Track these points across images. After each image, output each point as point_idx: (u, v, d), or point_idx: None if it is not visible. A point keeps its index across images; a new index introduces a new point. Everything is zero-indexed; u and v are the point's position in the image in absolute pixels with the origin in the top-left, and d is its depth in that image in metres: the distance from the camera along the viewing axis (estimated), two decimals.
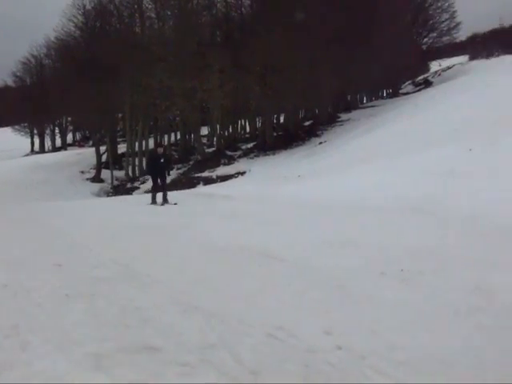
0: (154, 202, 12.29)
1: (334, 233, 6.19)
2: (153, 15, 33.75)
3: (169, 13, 32.83)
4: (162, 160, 12.44)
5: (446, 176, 9.50)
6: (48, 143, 58.94)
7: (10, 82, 59.90)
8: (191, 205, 11.82)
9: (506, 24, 61.83)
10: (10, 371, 2.58)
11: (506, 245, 5.18)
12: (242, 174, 23.74)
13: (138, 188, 28.03)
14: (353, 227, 6.63)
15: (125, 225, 8.10)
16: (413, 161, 11.45)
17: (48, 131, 58.91)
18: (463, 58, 57.80)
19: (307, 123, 37.00)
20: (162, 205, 11.92)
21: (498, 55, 47.72)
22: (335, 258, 4.88)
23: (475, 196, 7.85)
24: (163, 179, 12.44)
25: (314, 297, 3.76)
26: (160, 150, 12.98)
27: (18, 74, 55.80)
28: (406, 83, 53.19)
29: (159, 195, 12.34)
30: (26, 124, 58.97)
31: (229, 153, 29.98)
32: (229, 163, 27.34)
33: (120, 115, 35.94)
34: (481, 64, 43.14)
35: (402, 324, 3.22)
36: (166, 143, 35.29)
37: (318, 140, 28.86)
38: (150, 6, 33.60)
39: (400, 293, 3.83)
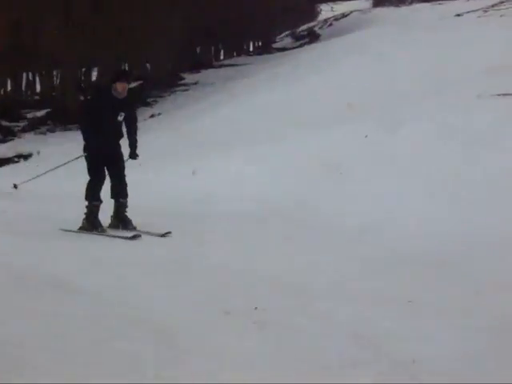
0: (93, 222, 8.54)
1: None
2: None
3: None
4: (120, 116, 8.82)
5: (329, 173, 10.07)
6: None
7: None
8: None
9: None
10: None
11: (395, 276, 5.70)
12: (26, 157, 22.80)
13: None
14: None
15: None
16: (284, 149, 11.94)
17: None
18: (365, 3, 61.76)
19: (133, 85, 36.66)
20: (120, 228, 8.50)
21: (410, 2, 51.91)
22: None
23: (368, 205, 8.45)
24: (119, 164, 8.94)
25: None
26: (121, 88, 8.66)
27: None
28: (283, 34, 55.27)
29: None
30: None
31: (5, 123, 28.53)
32: (4, 140, 26.07)
33: None
34: (388, 13, 46.88)
35: None
36: None
37: (148, 111, 28.82)
38: None
39: (251, 341, 3.98)
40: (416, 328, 4.49)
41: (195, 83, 34.78)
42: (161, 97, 31.85)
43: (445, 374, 3.60)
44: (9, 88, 34.37)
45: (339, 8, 57.37)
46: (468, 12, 33.92)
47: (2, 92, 33.43)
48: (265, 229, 7.98)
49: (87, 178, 8.46)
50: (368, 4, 62.06)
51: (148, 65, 38.80)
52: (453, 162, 9.52)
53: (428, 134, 10.78)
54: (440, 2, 46.14)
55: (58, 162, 18.56)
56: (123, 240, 7.54)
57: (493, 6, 35.07)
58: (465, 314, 4.86)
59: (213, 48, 47.65)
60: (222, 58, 49.36)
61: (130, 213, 8.29)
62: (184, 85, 35.15)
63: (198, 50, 43.98)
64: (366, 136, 11.27)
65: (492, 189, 8.65)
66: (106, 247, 7.28)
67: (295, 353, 3.91)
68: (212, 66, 41.78)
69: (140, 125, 23.41)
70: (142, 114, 27.74)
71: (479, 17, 31.19)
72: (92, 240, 7.69)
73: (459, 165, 9.37)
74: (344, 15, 54.45)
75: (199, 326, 4.36)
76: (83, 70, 35.03)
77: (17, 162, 22.33)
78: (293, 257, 6.62)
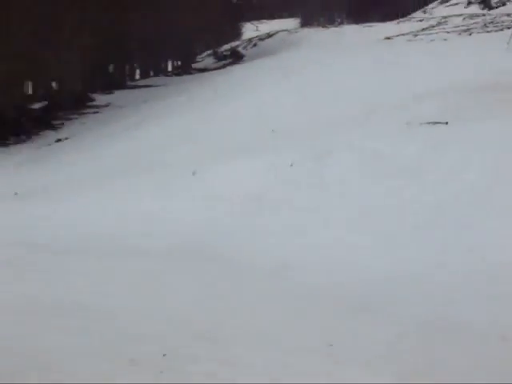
0: None
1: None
2: None
3: None
4: None
5: (249, 205, 10.18)
6: None
7: None
8: None
9: None
10: None
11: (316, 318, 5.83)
12: None
13: None
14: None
15: None
16: (202, 179, 11.97)
17: None
18: (292, 22, 62.45)
19: (38, 105, 36.03)
20: None
21: (340, 23, 52.94)
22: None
23: (287, 239, 8.59)
24: None
25: None
26: None
27: None
28: (205, 54, 55.50)
29: None
30: None
31: None
32: None
33: None
34: (315, 35, 47.97)
35: None
36: None
37: (54, 135, 28.35)
38: None
39: None
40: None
41: (107, 105, 34.45)
42: (69, 119, 31.44)
43: None
44: None
45: (264, 27, 57.94)
46: (398, 35, 34.98)
47: None
48: (176, 267, 7.96)
49: None
50: (296, 23, 62.84)
51: (53, 83, 38.15)
52: (375, 194, 9.85)
53: (353, 164, 11.04)
54: (370, 24, 47.54)
55: None
56: None
57: (423, 29, 36.31)
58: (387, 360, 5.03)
59: (127, 67, 47.28)
60: (137, 77, 49.04)
61: None
62: (94, 106, 34.76)
63: (111, 68, 43.62)
64: (291, 165, 11.42)
65: (413, 221, 9.02)
66: None
67: None
68: (126, 87, 41.46)
69: (43, 152, 23.29)
70: (47, 138, 27.37)
71: (409, 40, 32.21)
72: None
73: (381, 197, 9.71)
74: (269, 35, 54.84)
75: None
76: None
77: None
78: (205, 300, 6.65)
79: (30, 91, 38.20)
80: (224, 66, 45.09)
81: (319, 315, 6.23)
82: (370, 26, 46.54)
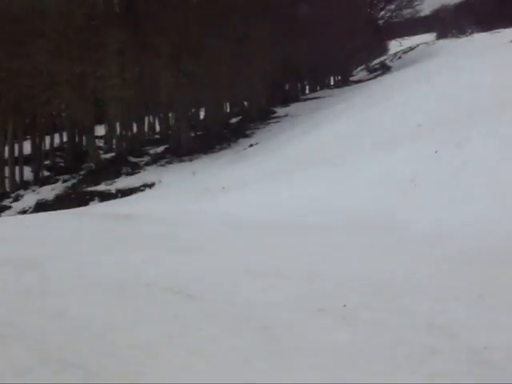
0: None
1: (261, 260, 6.26)
2: None
3: None
4: None
5: (404, 185, 9.88)
6: None
7: None
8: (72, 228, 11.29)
9: None
10: None
11: (467, 273, 5.48)
12: (150, 186, 23.49)
13: (8, 208, 26.93)
14: (285, 252, 6.74)
15: None
16: (364, 167, 11.82)
17: None
18: (429, 37, 60.21)
19: (234, 120, 37.27)
20: None
21: (471, 33, 50.18)
22: (260, 291, 4.93)
23: (437, 210, 8.23)
24: None
25: (231, 344, 3.77)
26: None
27: None
28: (359, 68, 54.75)
29: None
30: None
31: (132, 159, 29.56)
32: (132, 173, 26.92)
33: None
34: (450, 44, 45.42)
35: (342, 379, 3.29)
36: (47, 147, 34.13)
37: (247, 142, 29.15)
38: None
39: (342, 335, 3.92)
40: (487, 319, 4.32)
41: (285, 115, 34.88)
42: (257, 129, 32.16)
43: None
44: (134, 130, 35.49)
45: (406, 42, 56.17)
46: None
47: (129, 134, 34.64)
48: (355, 235, 7.86)
49: None
50: (432, 37, 60.38)
51: (245, 102, 39.32)
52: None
53: (493, 147, 10.36)
54: (497, 30, 44.60)
55: (176, 190, 19.22)
56: None
57: None
58: None
59: (299, 84, 47.78)
60: (307, 92, 49.34)
61: None
62: (276, 117, 35.32)
63: (287, 86, 44.21)
64: (436, 152, 10.96)
65: None
66: None
67: (381, 343, 3.83)
68: (299, 100, 41.84)
69: (239, 155, 23.99)
70: (242, 145, 28.23)
71: None
72: None
73: None
74: (411, 48, 53.22)
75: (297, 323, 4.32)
76: (193, 110, 35.84)
77: (143, 190, 23.06)
78: (378, 258, 6.49)
79: (228, 110, 39.62)
80: (375, 77, 44.17)
81: (470, 272, 5.89)
82: (498, 32, 43.61)
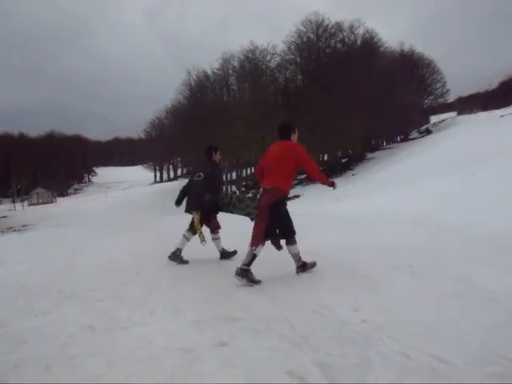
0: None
1: (360, 238, 6.04)
2: (235, 87, 36.17)
3: (246, 85, 34.49)
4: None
5: (440, 197, 8.93)
6: (164, 175, 65.31)
7: (142, 135, 67.25)
8: None
9: (494, 85, 60.56)
10: None
11: (485, 248, 4.76)
12: (298, 196, 23.64)
13: None
14: (373, 234, 6.43)
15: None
16: (418, 186, 10.92)
17: (165, 167, 65.60)
18: (453, 114, 57.49)
19: (343, 160, 36.32)
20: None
21: (476, 112, 48.48)
22: (362, 255, 4.75)
23: (462, 211, 7.29)
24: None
25: (346, 284, 3.69)
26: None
27: (147, 130, 62.01)
28: (414, 131, 51.78)
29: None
30: (151, 163, 66.13)
31: None
32: None
33: None
34: (465, 118, 42.97)
35: (408, 304, 3.07)
36: (244, 175, 36.10)
37: (351, 172, 28.38)
38: (233, 81, 36.68)
39: (408, 282, 3.64)
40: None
41: (372, 158, 33.45)
42: (357, 165, 31.16)
43: None
44: None
45: (440, 117, 53.85)
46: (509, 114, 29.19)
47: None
48: (412, 228, 7.19)
49: None
50: (454, 114, 57.85)
51: (350, 151, 38.12)
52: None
53: (493, 176, 8.84)
54: (492, 110, 41.92)
55: (313, 199, 18.88)
56: None
57: None
58: None
59: (379, 140, 45.81)
60: (384, 144, 46.77)
61: None
62: (367, 158, 33.99)
63: (373, 141, 42.44)
64: (459, 179, 9.59)
65: None
66: None
67: (430, 288, 3.45)
68: (380, 149, 39.96)
69: (346, 180, 23.32)
70: (348, 174, 27.56)
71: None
72: None
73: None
74: (443, 120, 50.07)
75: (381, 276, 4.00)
76: (320, 155, 35.45)
77: (294, 199, 22.92)
78: (428, 239, 5.83)
79: (340, 154, 38.66)
80: (423, 136, 41.04)
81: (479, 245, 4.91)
82: (492, 112, 39.88)
